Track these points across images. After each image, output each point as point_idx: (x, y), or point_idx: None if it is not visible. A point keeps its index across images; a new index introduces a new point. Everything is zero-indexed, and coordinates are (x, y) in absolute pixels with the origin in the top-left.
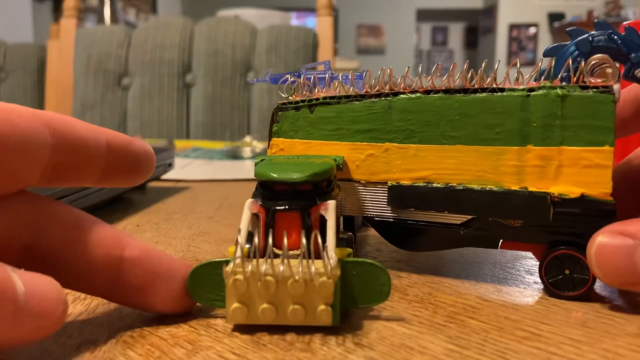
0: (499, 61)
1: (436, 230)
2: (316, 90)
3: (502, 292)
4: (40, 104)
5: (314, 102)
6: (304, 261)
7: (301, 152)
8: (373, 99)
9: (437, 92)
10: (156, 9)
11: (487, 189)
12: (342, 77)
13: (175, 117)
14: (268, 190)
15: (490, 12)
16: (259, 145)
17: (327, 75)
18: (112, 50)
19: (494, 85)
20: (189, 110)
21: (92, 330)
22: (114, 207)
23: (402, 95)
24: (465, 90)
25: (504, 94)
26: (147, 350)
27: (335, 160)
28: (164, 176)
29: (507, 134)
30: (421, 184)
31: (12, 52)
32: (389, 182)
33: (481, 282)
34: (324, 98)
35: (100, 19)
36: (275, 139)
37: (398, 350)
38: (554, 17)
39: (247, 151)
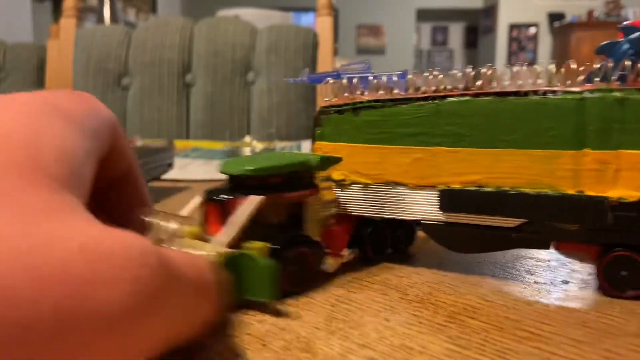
0: (555, 62)
1: (487, 233)
2: (358, 92)
3: (502, 292)
4: None
5: (358, 105)
6: (194, 244)
7: (346, 156)
8: (420, 103)
9: (487, 95)
10: (156, 9)
11: (542, 193)
12: (386, 77)
13: (175, 117)
14: (233, 183)
15: (490, 12)
16: (259, 145)
17: (369, 76)
18: (112, 50)
19: (547, 88)
20: (189, 110)
21: None
22: None
23: (450, 99)
24: (516, 93)
25: (558, 97)
26: None
27: (309, 159)
28: (164, 176)
29: (562, 137)
30: (473, 188)
31: (12, 52)
32: (439, 186)
33: (481, 282)
34: (369, 101)
35: (100, 19)
36: (318, 142)
37: (398, 350)
38: (554, 17)
39: (247, 151)
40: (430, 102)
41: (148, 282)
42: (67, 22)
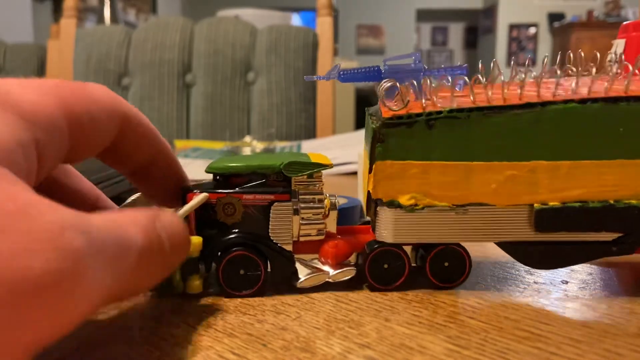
0: None
1: (582, 248)
2: (414, 98)
3: (502, 292)
4: None
5: (434, 115)
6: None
7: (416, 176)
8: (516, 111)
9: (596, 100)
10: (156, 9)
11: None
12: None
13: (175, 117)
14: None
15: (490, 12)
16: (259, 145)
17: (420, 74)
18: (112, 50)
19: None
20: (189, 110)
21: (92, 330)
22: None
23: (553, 106)
24: (626, 99)
25: None
26: (147, 350)
27: (269, 163)
28: None
29: None
30: (575, 205)
31: (12, 52)
32: (535, 205)
33: (481, 282)
34: (450, 111)
35: (100, 19)
36: (379, 162)
37: (398, 350)
38: (554, 17)
39: (247, 151)
40: (529, 110)
41: (67, 250)
42: (68, 23)
